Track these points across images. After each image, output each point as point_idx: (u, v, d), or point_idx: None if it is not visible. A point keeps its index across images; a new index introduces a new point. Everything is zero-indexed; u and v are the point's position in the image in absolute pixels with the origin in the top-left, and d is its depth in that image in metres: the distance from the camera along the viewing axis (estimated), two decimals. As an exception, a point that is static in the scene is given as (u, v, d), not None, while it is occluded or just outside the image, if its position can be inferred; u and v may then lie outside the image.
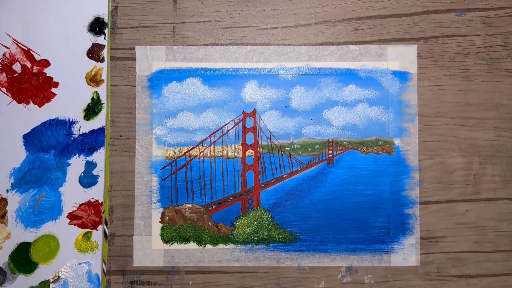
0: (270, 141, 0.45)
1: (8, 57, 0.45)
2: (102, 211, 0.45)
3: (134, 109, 0.45)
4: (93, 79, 0.45)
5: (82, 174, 0.45)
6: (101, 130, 0.45)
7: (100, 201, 0.45)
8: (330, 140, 0.45)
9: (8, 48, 0.45)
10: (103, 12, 0.46)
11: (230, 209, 0.45)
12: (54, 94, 0.45)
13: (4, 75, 0.45)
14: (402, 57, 0.45)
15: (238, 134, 0.46)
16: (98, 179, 0.45)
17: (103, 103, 0.45)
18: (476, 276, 0.44)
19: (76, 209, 0.45)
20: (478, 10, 0.46)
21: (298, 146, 0.46)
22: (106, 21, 0.46)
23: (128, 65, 0.45)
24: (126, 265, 0.44)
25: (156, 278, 0.44)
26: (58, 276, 0.44)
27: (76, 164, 0.45)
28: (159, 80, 0.45)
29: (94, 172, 0.45)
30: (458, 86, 0.45)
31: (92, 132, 0.45)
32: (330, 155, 0.46)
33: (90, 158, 0.45)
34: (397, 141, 0.45)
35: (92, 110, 0.45)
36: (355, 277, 0.44)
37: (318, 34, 0.46)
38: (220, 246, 0.45)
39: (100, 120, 0.45)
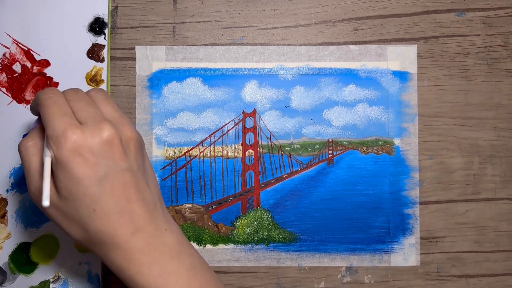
0: (270, 141, 0.45)
1: (8, 57, 0.45)
2: (102, 211, 0.45)
3: (134, 109, 0.45)
4: (93, 79, 0.45)
5: (82, 174, 0.45)
6: (101, 130, 0.45)
7: (100, 201, 0.45)
8: (330, 140, 0.45)
9: (8, 48, 0.45)
10: (103, 12, 0.46)
11: (230, 209, 0.45)
12: (54, 94, 0.45)
13: (4, 75, 0.45)
14: (402, 57, 0.45)
15: (238, 134, 0.46)
16: (98, 179, 0.45)
17: (103, 103, 0.45)
18: (476, 276, 0.44)
19: (76, 209, 0.45)
20: (478, 10, 0.46)
21: (298, 146, 0.46)
22: (106, 21, 0.46)
23: (128, 65, 0.45)
24: (126, 265, 0.44)
25: (156, 278, 0.44)
26: (58, 276, 0.44)
27: (76, 164, 0.45)
28: (159, 80, 0.45)
29: (94, 172, 0.45)
30: (458, 86, 0.45)
31: (92, 132, 0.45)
32: (330, 155, 0.46)
33: (90, 158, 0.45)
34: (397, 141, 0.45)
35: (92, 110, 0.45)
36: (355, 277, 0.44)
37: (318, 34, 0.46)
38: (220, 246, 0.45)
39: (100, 120, 0.45)
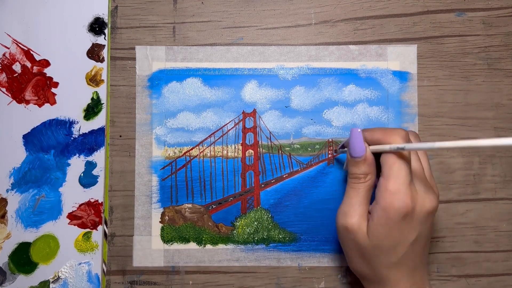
0: (270, 141, 0.45)
1: (8, 57, 0.45)
2: (102, 211, 0.45)
3: (134, 109, 0.45)
4: (93, 79, 0.45)
5: (82, 174, 0.45)
6: (101, 130, 0.45)
7: (100, 201, 0.45)
8: (330, 140, 0.45)
9: (8, 48, 0.45)
10: (103, 12, 0.46)
11: (230, 209, 0.45)
12: (54, 94, 0.45)
13: (4, 75, 0.45)
14: (402, 57, 0.45)
15: (238, 134, 0.46)
16: (98, 179, 0.45)
17: (103, 103, 0.45)
18: (476, 276, 0.44)
19: (76, 209, 0.45)
20: (478, 10, 0.46)
21: (298, 146, 0.46)
22: (106, 21, 0.46)
23: (128, 65, 0.45)
24: (126, 265, 0.44)
25: (156, 278, 0.44)
26: (58, 276, 0.44)
27: (76, 164, 0.45)
28: (159, 80, 0.45)
29: (94, 172, 0.45)
30: (458, 86, 0.45)
31: (92, 132, 0.45)
32: (330, 155, 0.46)
33: (90, 158, 0.45)
34: (397, 141, 0.45)
35: (92, 110, 0.45)
36: (355, 277, 0.44)
37: (318, 34, 0.46)
38: (220, 246, 0.45)
39: (100, 120, 0.45)
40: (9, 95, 0.45)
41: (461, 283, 0.44)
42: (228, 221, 0.45)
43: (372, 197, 0.36)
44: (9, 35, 0.45)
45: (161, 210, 0.45)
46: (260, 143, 0.46)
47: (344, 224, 0.35)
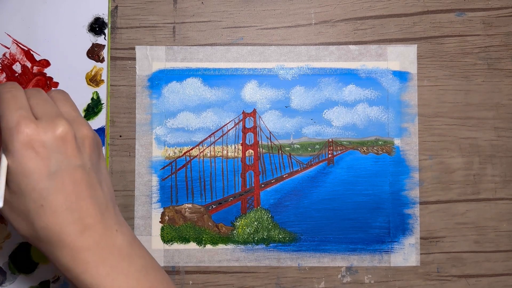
0: (270, 141, 0.46)
1: (8, 57, 0.45)
2: (102, 211, 0.45)
3: (134, 109, 0.45)
4: (93, 79, 0.45)
5: (82, 174, 0.45)
6: (101, 130, 0.45)
7: (100, 201, 0.45)
8: (330, 140, 0.45)
9: (8, 48, 0.45)
10: (103, 12, 0.46)
11: (230, 209, 0.45)
12: (54, 94, 0.45)
13: (4, 75, 0.45)
14: (402, 57, 0.45)
15: (238, 134, 0.46)
16: (98, 179, 0.45)
17: (103, 103, 0.45)
18: (476, 276, 0.44)
19: (76, 209, 0.45)
20: (478, 10, 0.46)
21: (298, 146, 0.46)
22: (106, 21, 0.46)
23: (128, 65, 0.45)
24: (126, 265, 0.44)
25: (156, 278, 0.44)
26: (58, 276, 0.44)
27: (76, 164, 0.45)
28: (159, 80, 0.45)
29: (94, 172, 0.45)
30: (458, 86, 0.45)
31: (92, 132, 0.45)
32: (330, 155, 0.46)
33: (90, 158, 0.45)
34: (397, 141, 0.45)
35: (92, 110, 0.45)
36: (355, 277, 0.44)
37: (318, 34, 0.46)
38: (220, 246, 0.45)
39: (100, 120, 0.45)
40: (9, 95, 0.45)
41: (461, 283, 0.44)
42: (228, 221, 0.45)
43: None
44: (9, 35, 0.45)
45: (161, 210, 0.45)
46: (260, 143, 0.46)
47: None
